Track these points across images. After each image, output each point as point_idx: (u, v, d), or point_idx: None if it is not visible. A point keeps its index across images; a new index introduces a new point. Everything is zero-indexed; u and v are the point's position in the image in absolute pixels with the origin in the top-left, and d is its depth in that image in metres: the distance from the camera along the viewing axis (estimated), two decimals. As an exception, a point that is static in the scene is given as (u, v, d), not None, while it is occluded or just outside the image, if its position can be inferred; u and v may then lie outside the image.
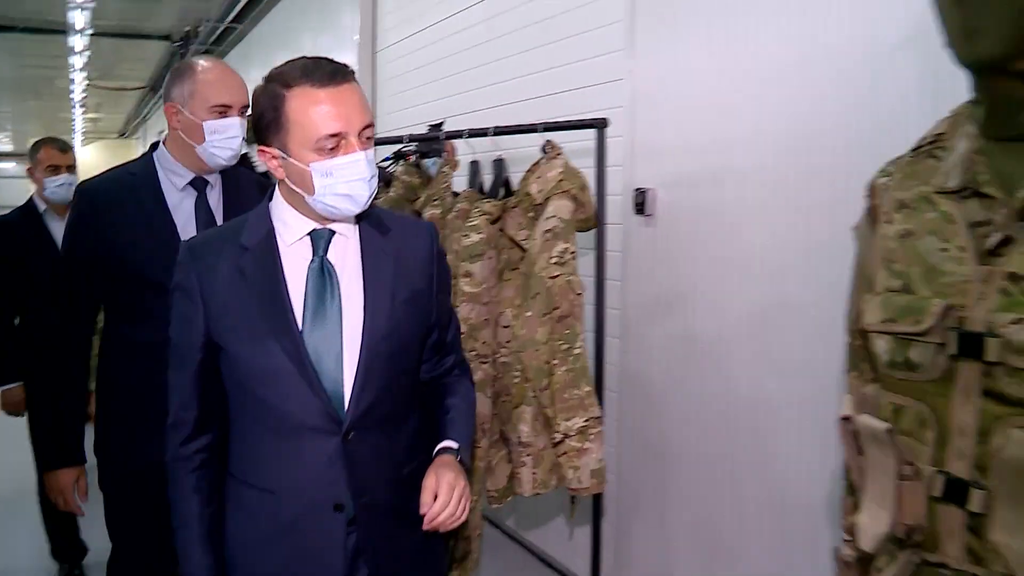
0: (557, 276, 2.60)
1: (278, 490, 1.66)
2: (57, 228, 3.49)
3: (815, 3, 2.44)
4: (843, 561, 1.40)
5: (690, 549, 3.08)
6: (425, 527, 1.62)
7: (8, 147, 27.40)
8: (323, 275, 1.66)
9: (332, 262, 1.67)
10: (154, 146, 2.32)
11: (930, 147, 1.28)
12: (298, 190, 1.60)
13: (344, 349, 1.64)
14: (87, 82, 14.79)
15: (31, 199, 3.68)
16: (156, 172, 2.25)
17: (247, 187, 2.39)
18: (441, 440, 1.75)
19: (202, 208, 2.27)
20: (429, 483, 1.62)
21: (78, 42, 11.38)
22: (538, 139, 2.80)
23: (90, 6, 9.26)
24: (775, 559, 2.71)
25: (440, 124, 3.42)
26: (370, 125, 1.59)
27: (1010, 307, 1.07)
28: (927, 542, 1.18)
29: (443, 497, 1.60)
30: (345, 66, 1.59)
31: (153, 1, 10.38)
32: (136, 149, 22.80)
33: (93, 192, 2.23)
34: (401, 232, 1.75)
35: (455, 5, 4.58)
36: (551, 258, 2.59)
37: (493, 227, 2.75)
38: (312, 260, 1.66)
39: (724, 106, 2.78)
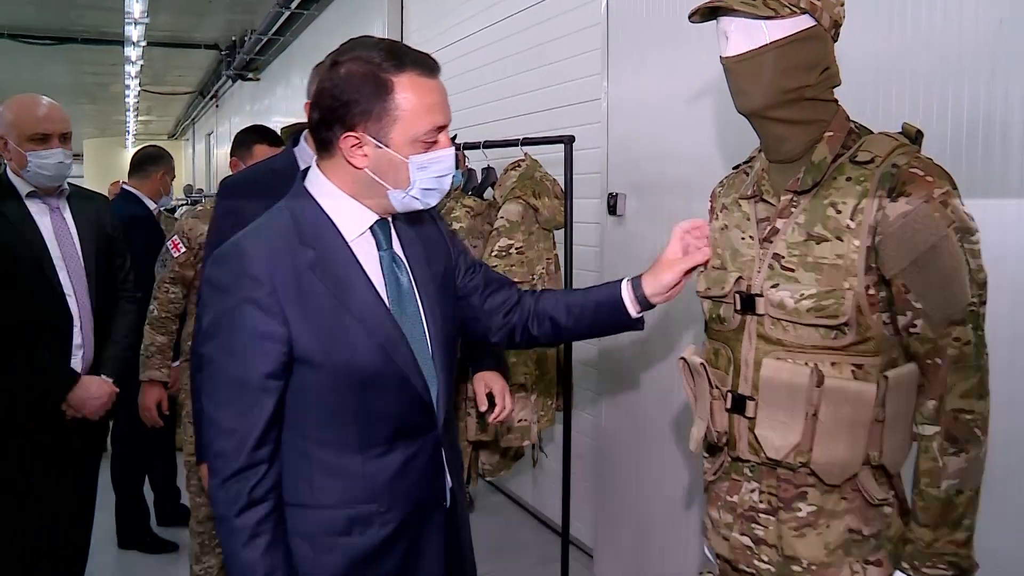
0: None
1: (380, 504, 1.56)
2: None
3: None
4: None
5: (660, 502, 3.58)
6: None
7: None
8: (395, 268, 1.62)
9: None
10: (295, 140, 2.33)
11: (744, 166, 1.80)
12: (381, 182, 1.53)
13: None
14: (140, 88, 15.25)
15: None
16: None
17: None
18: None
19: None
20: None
21: (133, 52, 11.83)
22: (520, 152, 3.33)
23: (144, 20, 9.77)
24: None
25: (454, 138, 3.96)
26: None
27: (772, 277, 1.59)
28: (730, 443, 1.69)
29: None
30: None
31: (201, 15, 10.91)
32: (184, 150, 23.66)
33: (235, 186, 2.34)
34: (416, 219, 1.70)
35: (465, 30, 5.15)
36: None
37: (475, 220, 3.26)
38: (381, 253, 1.61)
39: (685, 121, 3.24)
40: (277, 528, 1.50)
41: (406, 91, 1.47)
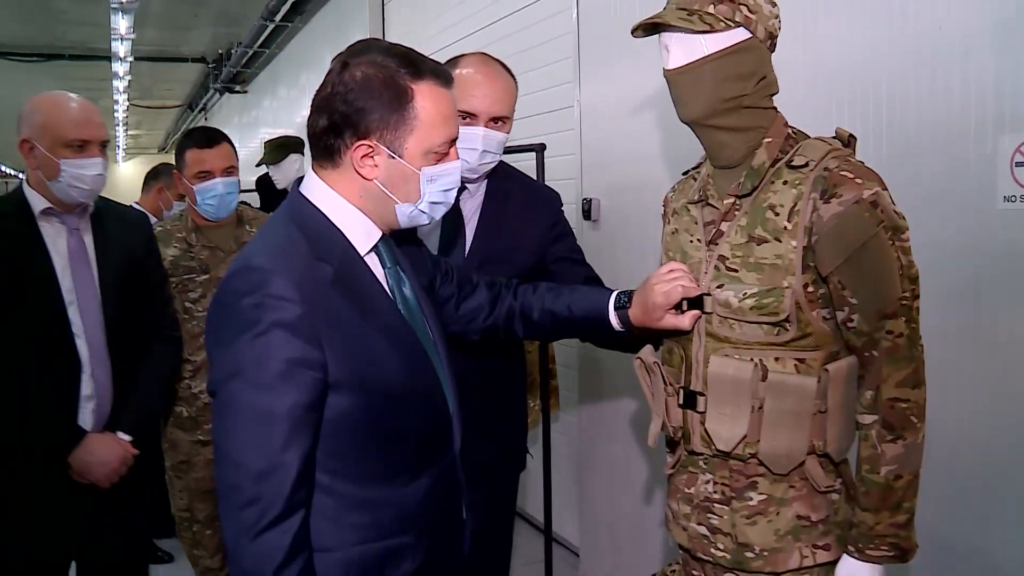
0: None
1: (410, 534, 1.48)
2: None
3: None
4: None
5: (644, 500, 3.66)
6: None
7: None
8: (401, 286, 1.56)
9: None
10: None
11: (692, 171, 1.88)
12: (390, 194, 1.45)
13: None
14: (128, 103, 15.30)
15: None
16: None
17: None
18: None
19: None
20: None
21: (120, 68, 11.88)
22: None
23: (131, 36, 9.80)
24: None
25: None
26: None
27: (718, 278, 1.67)
28: (685, 437, 1.77)
29: None
30: None
31: (187, 29, 11.00)
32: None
33: None
34: (398, 232, 1.60)
35: (443, 40, 5.24)
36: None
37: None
38: (386, 270, 1.54)
39: (656, 126, 3.32)
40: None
41: (425, 100, 1.41)
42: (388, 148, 1.41)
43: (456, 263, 1.96)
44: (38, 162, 2.35)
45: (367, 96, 1.39)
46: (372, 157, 1.42)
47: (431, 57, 1.50)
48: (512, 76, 2.22)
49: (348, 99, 1.39)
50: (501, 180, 2.27)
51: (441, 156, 1.46)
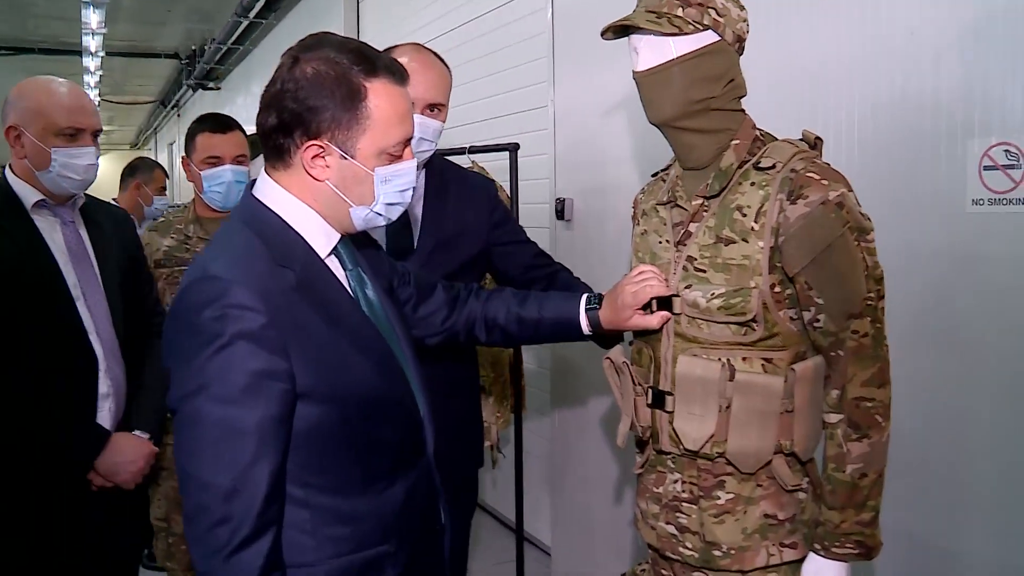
0: None
1: (390, 544, 1.44)
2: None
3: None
4: None
5: (616, 500, 3.68)
6: None
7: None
8: (364, 288, 1.52)
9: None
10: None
11: (662, 173, 1.89)
12: (344, 197, 1.39)
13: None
14: (100, 98, 15.16)
15: None
16: None
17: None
18: None
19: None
20: None
21: (92, 62, 11.82)
22: (468, 160, 3.41)
23: (102, 31, 9.74)
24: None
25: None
26: None
27: (686, 278, 1.68)
28: (653, 436, 1.78)
29: None
30: None
31: (160, 24, 10.91)
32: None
33: None
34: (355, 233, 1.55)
35: (419, 37, 5.20)
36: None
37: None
38: (348, 272, 1.50)
39: (629, 127, 3.34)
40: None
41: (379, 98, 1.35)
42: (340, 148, 1.35)
43: (407, 253, 2.01)
44: (26, 151, 2.20)
45: (318, 94, 1.32)
46: (323, 158, 1.36)
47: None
48: (446, 66, 2.24)
49: (298, 97, 1.33)
50: (437, 170, 2.31)
51: (395, 157, 1.40)
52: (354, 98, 1.33)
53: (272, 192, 1.42)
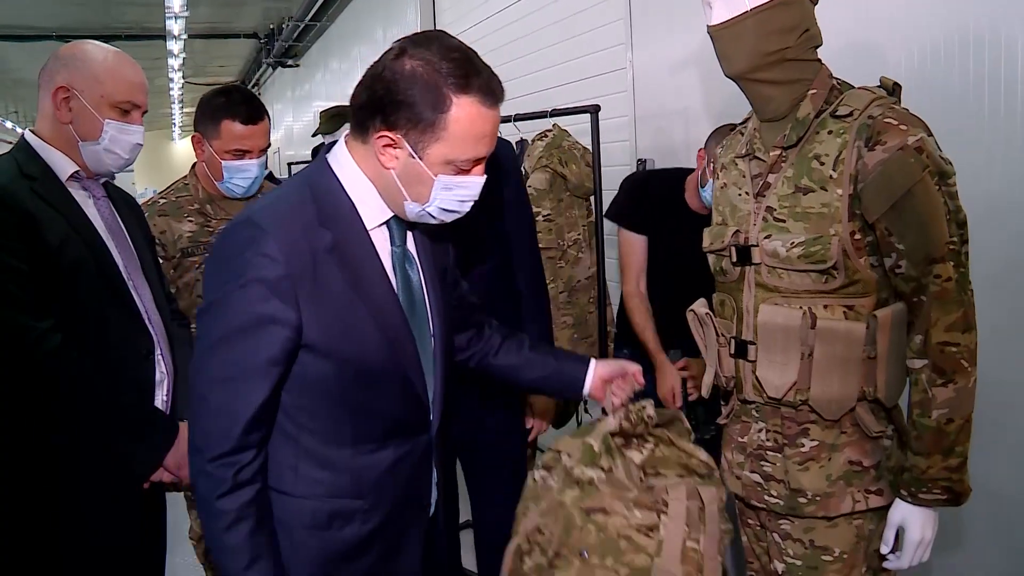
0: None
1: (365, 500, 1.51)
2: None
3: None
4: None
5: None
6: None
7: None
8: (406, 265, 1.55)
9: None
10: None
11: (740, 126, 1.90)
12: (403, 189, 1.44)
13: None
14: (183, 80, 15.51)
15: None
16: None
17: None
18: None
19: None
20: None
21: (175, 46, 12.08)
22: (550, 123, 3.45)
23: (184, 14, 9.97)
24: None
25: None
26: None
27: (766, 229, 1.70)
28: (737, 386, 1.81)
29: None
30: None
31: (239, 5, 11.14)
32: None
33: None
34: None
35: (495, 6, 5.26)
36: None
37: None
38: (394, 248, 1.53)
39: (708, 85, 3.33)
40: (262, 512, 1.42)
41: (461, 114, 1.37)
42: (411, 147, 1.39)
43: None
44: (73, 116, 1.98)
45: (407, 92, 1.36)
46: (393, 149, 1.40)
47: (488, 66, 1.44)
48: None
49: (390, 87, 1.37)
50: None
51: (463, 170, 1.43)
52: (437, 108, 1.36)
53: (343, 159, 1.49)
